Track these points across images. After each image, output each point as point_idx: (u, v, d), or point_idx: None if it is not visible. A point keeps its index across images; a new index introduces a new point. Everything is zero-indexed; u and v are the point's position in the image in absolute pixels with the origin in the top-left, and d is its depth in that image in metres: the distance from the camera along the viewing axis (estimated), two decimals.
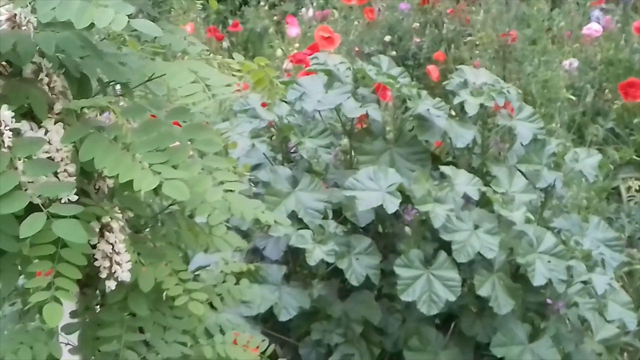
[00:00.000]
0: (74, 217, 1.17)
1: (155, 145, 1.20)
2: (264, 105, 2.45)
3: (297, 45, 4.79)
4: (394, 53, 4.81)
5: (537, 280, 2.19)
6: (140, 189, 1.15)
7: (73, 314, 1.47)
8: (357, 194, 2.17)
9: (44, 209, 1.16)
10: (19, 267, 1.30)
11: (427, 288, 2.11)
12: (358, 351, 2.23)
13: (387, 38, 5.01)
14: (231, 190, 1.24)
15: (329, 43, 3.97)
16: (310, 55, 2.90)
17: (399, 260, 2.14)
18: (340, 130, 2.55)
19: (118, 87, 1.44)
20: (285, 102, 2.40)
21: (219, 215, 1.53)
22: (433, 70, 4.19)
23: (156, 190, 1.49)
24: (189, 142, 1.23)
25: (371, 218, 2.27)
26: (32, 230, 1.14)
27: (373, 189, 2.18)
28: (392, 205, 2.15)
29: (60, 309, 1.21)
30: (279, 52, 4.65)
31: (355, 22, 5.12)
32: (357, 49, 4.87)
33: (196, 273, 1.82)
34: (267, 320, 2.33)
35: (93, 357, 1.50)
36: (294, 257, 2.35)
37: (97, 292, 1.51)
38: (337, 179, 2.42)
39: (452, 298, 2.12)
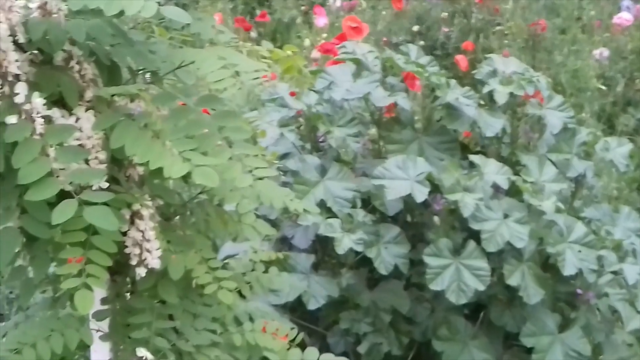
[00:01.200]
0: (105, 204, 1.18)
1: (185, 132, 1.20)
2: (292, 94, 2.45)
3: (324, 35, 4.78)
4: (422, 43, 4.78)
5: (568, 270, 2.17)
6: (170, 176, 1.15)
7: (104, 301, 1.48)
8: (386, 182, 2.17)
9: (75, 196, 1.17)
10: (51, 254, 1.32)
11: (456, 277, 2.11)
12: (387, 340, 2.23)
13: (415, 28, 4.99)
14: (261, 178, 1.23)
15: (357, 33, 3.95)
16: (338, 45, 2.89)
17: (428, 249, 2.13)
18: (368, 120, 2.54)
19: (147, 75, 1.44)
20: (314, 91, 2.40)
21: (248, 203, 1.53)
22: (461, 60, 4.16)
23: (185, 178, 1.50)
24: (218, 130, 1.23)
25: (400, 207, 2.26)
26: (64, 216, 1.15)
27: (402, 177, 2.17)
28: (421, 194, 2.14)
29: (92, 295, 1.22)
30: (306, 42, 4.64)
31: (383, 12, 5.10)
32: (384, 39, 4.85)
33: (225, 262, 1.82)
34: (295, 309, 2.33)
35: (123, 344, 1.51)
36: (322, 246, 2.35)
37: (127, 279, 1.51)
38: (365, 168, 2.42)
39: (481, 287, 2.11)
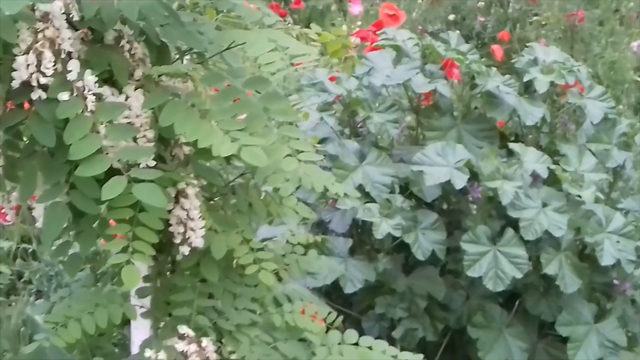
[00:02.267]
0: (153, 181, 1.19)
1: (233, 112, 1.22)
2: (332, 79, 2.45)
3: (359, 23, 4.77)
4: (457, 32, 4.76)
5: (605, 260, 2.17)
6: (218, 155, 1.16)
7: (146, 279, 1.50)
8: (425, 169, 2.17)
9: (124, 173, 1.18)
10: (97, 230, 1.34)
11: (494, 264, 2.11)
12: (422, 326, 2.24)
13: (451, 17, 4.97)
14: (306, 161, 1.25)
15: (394, 21, 3.95)
16: (374, 32, 2.89)
17: (465, 236, 2.14)
18: (406, 106, 2.55)
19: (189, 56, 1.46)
20: (354, 76, 2.40)
21: (290, 185, 1.54)
22: (497, 50, 4.14)
23: (228, 159, 1.52)
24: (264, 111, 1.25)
25: (437, 194, 2.27)
26: (114, 192, 1.16)
27: (441, 164, 2.18)
28: (460, 181, 2.15)
29: (138, 271, 1.24)
30: (343, 29, 4.63)
31: (419, 1, 5.09)
32: (420, 27, 4.84)
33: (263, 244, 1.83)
34: (329, 293, 2.34)
35: (164, 321, 1.53)
36: (358, 230, 2.36)
37: (169, 258, 1.53)
38: (402, 155, 2.42)
39: (519, 275, 2.11)
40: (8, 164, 1.32)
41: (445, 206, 2.41)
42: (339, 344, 1.49)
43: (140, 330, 1.54)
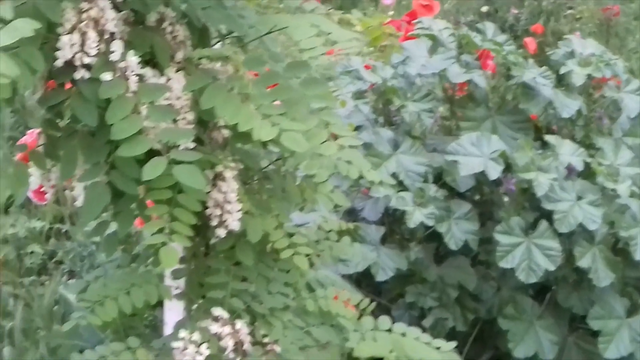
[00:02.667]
0: (193, 163, 1.20)
1: (273, 97, 1.22)
2: (366, 67, 2.45)
3: (391, 13, 4.76)
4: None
5: (639, 255, 2.16)
6: (259, 139, 1.17)
7: (181, 260, 1.51)
8: (459, 158, 2.17)
9: (164, 154, 1.19)
10: (135, 210, 1.35)
11: (527, 256, 2.11)
12: (452, 316, 2.24)
13: (484, 9, 4.95)
14: (346, 146, 1.25)
15: (428, 11, 3.94)
16: (409, 22, 2.89)
17: (499, 227, 2.13)
18: (440, 96, 2.54)
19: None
20: (389, 65, 2.40)
21: (325, 172, 1.54)
22: (530, 43, 4.13)
23: (265, 144, 1.52)
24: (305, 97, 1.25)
25: (471, 184, 2.27)
26: (154, 173, 1.17)
27: (475, 154, 2.17)
28: (495, 171, 2.14)
29: (176, 252, 1.25)
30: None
31: None
32: (452, 18, 4.82)
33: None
34: (359, 281, 2.35)
35: (198, 303, 1.54)
36: (390, 219, 2.36)
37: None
38: (435, 144, 2.42)
39: (552, 267, 2.11)
40: (49, 142, 1.34)
41: (477, 197, 2.40)
42: (372, 330, 1.49)
43: (173, 312, 1.55)
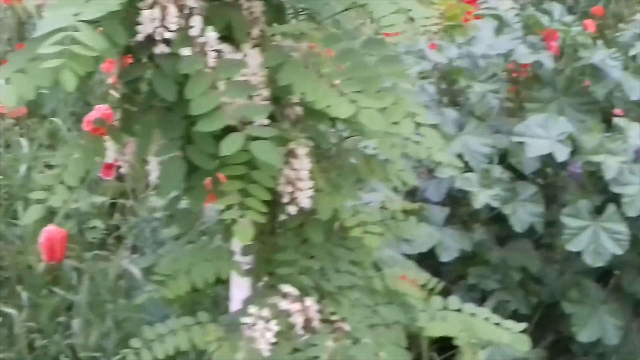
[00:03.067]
0: (270, 139, 1.20)
1: (351, 74, 1.22)
2: (432, 46, 2.43)
3: None
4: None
5: None
6: (337, 116, 1.17)
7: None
8: (526, 140, 2.15)
9: (240, 130, 1.19)
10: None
11: (594, 239, 2.08)
12: (514, 298, 2.22)
13: None
14: (422, 124, 1.24)
15: None
16: (472, 2, 2.86)
17: (566, 210, 2.11)
18: (504, 77, 2.51)
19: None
20: (455, 45, 2.38)
21: (397, 150, 1.53)
22: (590, 25, 4.07)
23: (334, 121, 1.52)
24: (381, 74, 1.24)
25: (536, 166, 2.24)
26: (232, 148, 1.18)
27: (542, 136, 2.15)
28: (562, 154, 2.12)
29: (251, 227, 1.26)
30: None
31: None
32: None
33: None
34: (419, 262, 2.33)
35: (267, 280, 1.54)
36: (453, 200, 2.34)
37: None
38: (498, 126, 2.40)
39: (619, 251, 2.08)
40: (125, 117, 1.35)
41: (542, 179, 2.37)
42: (442, 309, 1.48)
43: (239, 288, 1.56)
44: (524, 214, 2.14)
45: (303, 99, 1.40)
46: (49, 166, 3.10)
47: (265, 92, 1.29)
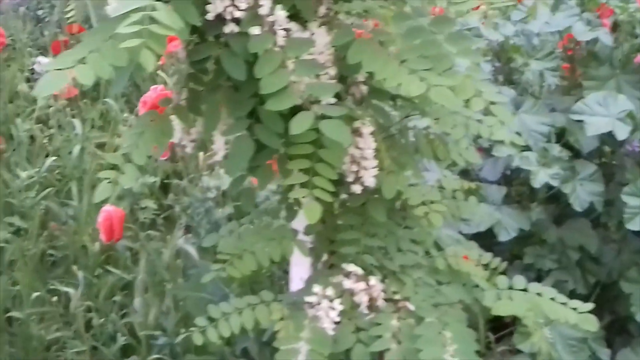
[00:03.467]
0: (339, 118, 1.20)
1: (420, 52, 1.21)
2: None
3: None
4: None
5: None
6: (408, 94, 1.16)
7: None
8: (585, 118, 2.12)
9: (309, 109, 1.19)
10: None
11: None
12: (572, 278, 2.21)
13: None
14: (492, 102, 1.23)
15: None
16: None
17: (627, 189, 2.08)
18: (559, 54, 2.48)
19: None
20: (510, 22, 2.36)
21: (460, 129, 1.52)
22: None
23: (395, 100, 1.51)
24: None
25: (595, 145, 2.22)
26: (302, 127, 1.17)
27: (602, 114, 2.12)
28: (623, 132, 2.09)
29: (319, 206, 1.25)
30: None
31: None
32: None
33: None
34: (474, 241, 2.32)
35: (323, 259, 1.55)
36: (507, 179, 2.32)
37: None
38: (553, 104, 2.37)
39: None
40: (191, 97, 1.35)
41: (599, 158, 2.35)
42: (508, 289, 1.47)
43: (299, 267, 1.56)
44: (584, 193, 2.12)
45: (369, 77, 1.41)
46: (100, 146, 3.13)
47: (332, 71, 1.28)
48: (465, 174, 2.38)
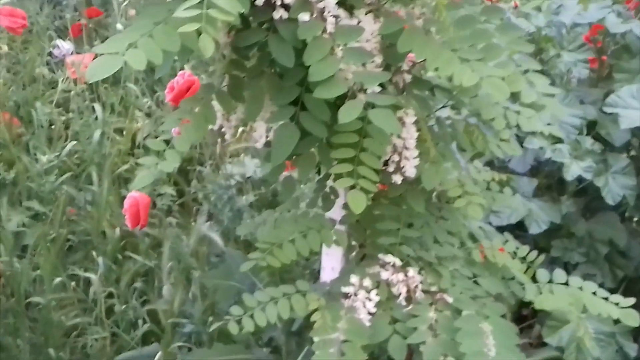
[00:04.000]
0: (388, 107, 1.18)
1: (471, 41, 1.19)
2: None
3: None
4: None
5: None
6: (460, 84, 1.14)
7: (345, 206, 1.50)
8: (619, 111, 2.10)
9: (356, 97, 1.17)
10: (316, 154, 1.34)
11: None
12: (600, 272, 2.19)
13: None
14: (545, 93, 1.21)
15: None
16: None
17: None
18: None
19: None
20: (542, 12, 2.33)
21: (501, 120, 1.50)
22: None
23: (433, 90, 1.49)
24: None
25: (627, 138, 2.19)
26: (351, 116, 1.16)
27: (636, 107, 2.10)
28: None
29: (364, 196, 1.24)
30: None
31: None
32: None
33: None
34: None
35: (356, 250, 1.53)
36: (534, 171, 2.30)
37: None
38: (582, 96, 2.35)
39: None
40: (233, 83, 1.34)
41: (628, 151, 2.33)
42: (549, 282, 1.46)
43: (330, 257, 1.55)
44: (616, 186, 2.10)
45: (412, 66, 1.39)
46: (117, 131, 3.11)
47: (379, 59, 1.26)
48: (490, 164, 2.36)
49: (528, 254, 1.57)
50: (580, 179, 2.12)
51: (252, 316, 1.36)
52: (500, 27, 1.22)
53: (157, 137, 1.27)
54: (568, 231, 2.22)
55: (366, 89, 1.20)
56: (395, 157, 1.35)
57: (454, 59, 1.15)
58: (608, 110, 2.13)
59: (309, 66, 1.16)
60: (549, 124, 2.13)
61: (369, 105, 1.17)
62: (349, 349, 1.33)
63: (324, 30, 1.17)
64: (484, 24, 1.21)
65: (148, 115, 3.18)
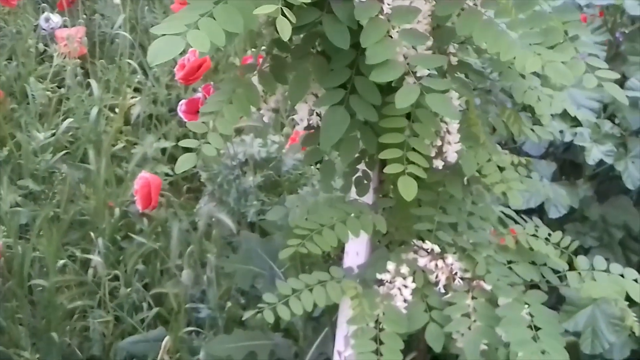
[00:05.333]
0: (444, 92, 1.15)
1: (531, 24, 1.16)
2: None
3: None
4: None
5: None
6: (522, 70, 1.11)
7: (376, 190, 1.47)
8: (638, 95, 2.08)
9: (414, 81, 1.14)
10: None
11: None
12: (614, 256, 2.17)
13: None
14: (604, 78, 1.18)
15: None
16: None
17: None
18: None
19: None
20: None
21: (544, 104, 1.48)
22: None
23: (467, 74, 1.46)
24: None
25: None
26: (408, 101, 1.12)
27: None
28: None
29: (414, 182, 1.21)
30: None
31: None
32: None
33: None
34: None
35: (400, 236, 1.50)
36: (548, 154, 2.28)
37: None
38: None
39: None
40: (275, 64, 1.29)
41: None
42: (589, 270, 1.44)
43: (355, 241, 1.51)
44: (635, 170, 2.08)
45: (459, 49, 1.36)
46: (112, 109, 3.04)
47: (429, 42, 1.23)
48: (504, 146, 2.33)
49: (561, 239, 1.54)
50: (599, 163, 2.10)
51: (287, 304, 1.33)
52: (559, 9, 1.19)
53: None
54: (582, 215, 2.20)
55: (415, 72, 1.17)
56: (438, 142, 1.32)
57: (514, 44, 1.12)
58: (629, 94, 2.10)
59: (362, 48, 1.13)
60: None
61: (426, 90, 1.13)
62: (388, 337, 1.30)
63: (381, 11, 1.13)
64: (542, 6, 1.17)
65: (137, 90, 3.11)
